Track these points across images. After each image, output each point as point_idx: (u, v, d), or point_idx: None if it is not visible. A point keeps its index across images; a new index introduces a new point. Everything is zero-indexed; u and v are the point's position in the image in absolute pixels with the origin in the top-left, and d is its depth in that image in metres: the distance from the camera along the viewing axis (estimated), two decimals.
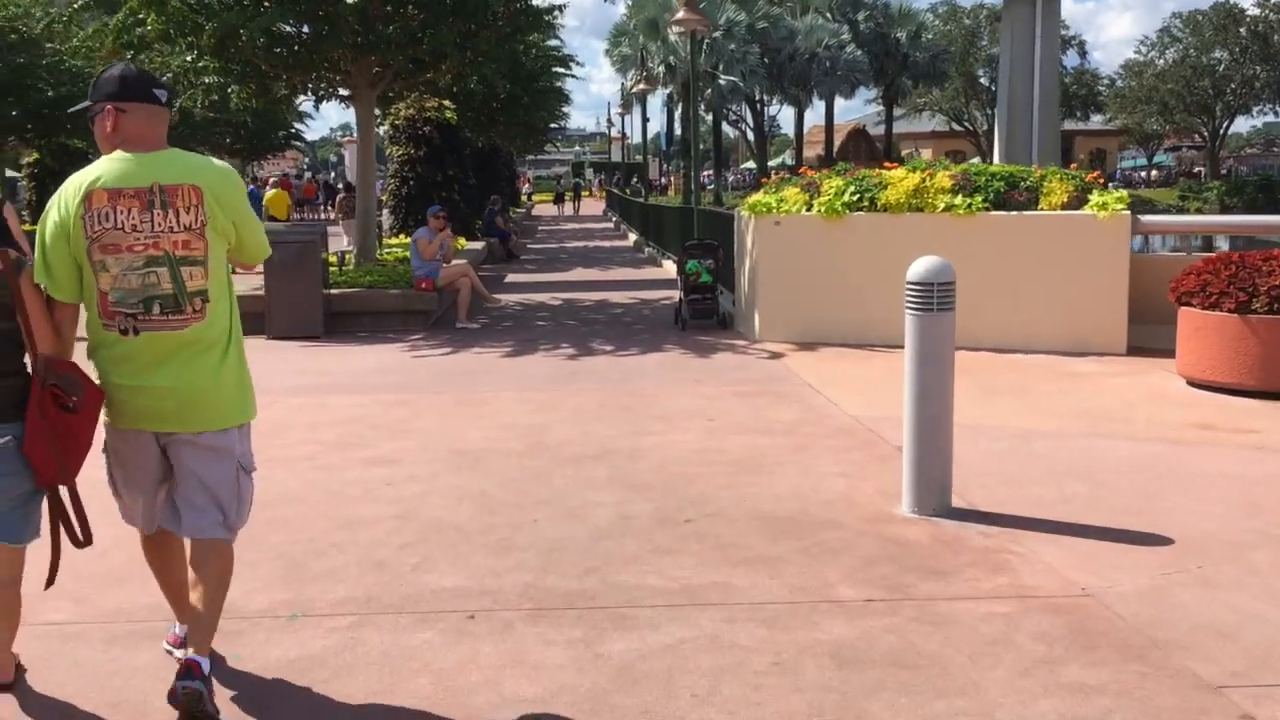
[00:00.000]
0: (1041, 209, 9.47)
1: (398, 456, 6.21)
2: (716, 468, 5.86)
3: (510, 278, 18.81)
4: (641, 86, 28.66)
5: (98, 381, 3.14)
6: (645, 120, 36.06)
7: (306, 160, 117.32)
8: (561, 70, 25.94)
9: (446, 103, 20.56)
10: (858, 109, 67.55)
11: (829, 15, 55.24)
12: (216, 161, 3.26)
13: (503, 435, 6.70)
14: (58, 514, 3.10)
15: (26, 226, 3.61)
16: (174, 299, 3.07)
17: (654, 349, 10.24)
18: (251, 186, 31.92)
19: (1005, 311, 9.50)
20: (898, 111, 63.93)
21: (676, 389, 8.18)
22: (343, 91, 13.94)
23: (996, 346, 9.46)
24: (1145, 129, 72.46)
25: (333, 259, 13.05)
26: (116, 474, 3.28)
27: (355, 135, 14.08)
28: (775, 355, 9.61)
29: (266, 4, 11.88)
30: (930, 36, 60.45)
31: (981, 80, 68.19)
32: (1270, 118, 72.86)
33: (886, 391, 7.78)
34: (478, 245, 19.35)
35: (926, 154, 76.69)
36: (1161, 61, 69.71)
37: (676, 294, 13.08)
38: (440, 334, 11.56)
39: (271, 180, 35.24)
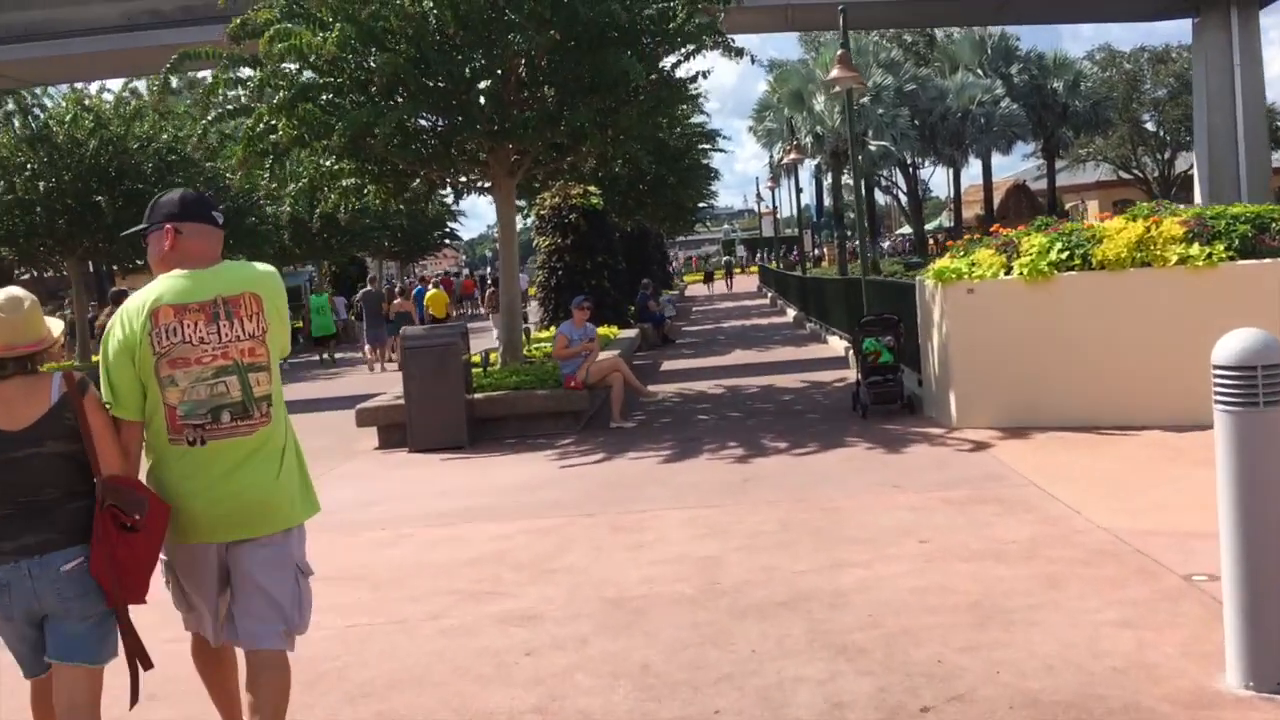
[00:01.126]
0: None
1: (540, 610, 5.06)
2: (947, 617, 4.49)
3: (666, 364, 17.75)
4: (792, 156, 27.59)
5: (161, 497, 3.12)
6: (798, 190, 34.98)
7: (464, 258, 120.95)
8: (707, 146, 25.10)
9: (592, 188, 19.88)
10: (1013, 165, 64.88)
11: (980, 71, 53.41)
12: (262, 267, 3.30)
13: (667, 573, 5.48)
14: (126, 634, 3.08)
15: None
16: (243, 406, 3.14)
17: (834, 444, 8.89)
18: (419, 286, 32.06)
19: None
20: (1059, 164, 61.02)
21: (871, 498, 6.82)
22: (482, 183, 13.25)
23: None
24: None
25: (477, 359, 12.22)
26: (185, 585, 3.26)
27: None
28: (981, 446, 8.14)
29: (399, 99, 11.28)
30: (1089, 85, 57.68)
31: (1147, 125, 64.89)
32: None
33: (1136, 491, 6.26)
34: (630, 333, 18.41)
35: (1093, 205, 73.08)
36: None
37: (852, 374, 11.78)
38: (593, 436, 10.50)
39: (433, 280, 35.41)
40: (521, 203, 23.31)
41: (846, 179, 54.25)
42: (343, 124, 10.79)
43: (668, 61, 12.24)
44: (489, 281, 33.49)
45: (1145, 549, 5.15)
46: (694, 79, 12.48)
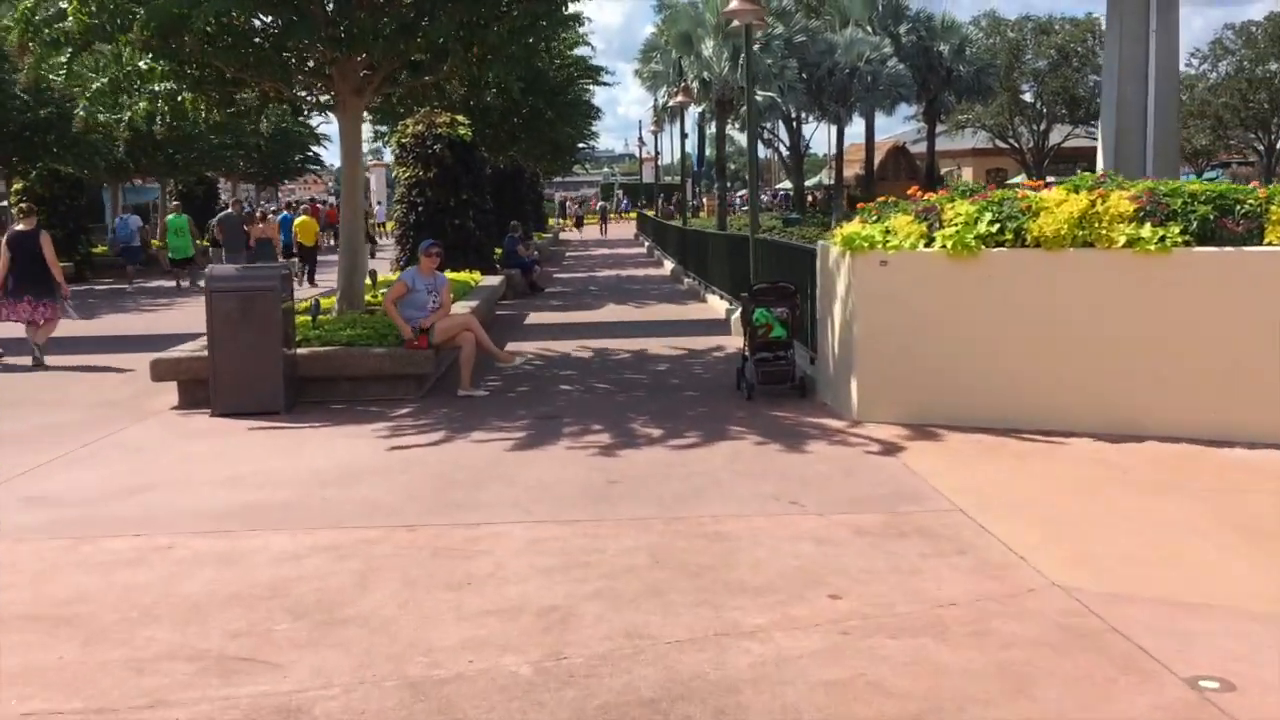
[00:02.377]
0: (1271, 243, 6.74)
1: (309, 700, 3.55)
2: None
3: (532, 317, 16.21)
4: (680, 99, 26.06)
5: None
6: (684, 136, 33.28)
7: (333, 184, 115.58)
8: (588, 82, 23.39)
9: (460, 118, 18.05)
10: (890, 127, 64.35)
11: (870, 28, 52.63)
12: None
13: (497, 634, 4.04)
14: None
15: None
16: None
17: (717, 434, 7.56)
18: (285, 213, 29.55)
19: (1219, 389, 6.77)
20: (938, 129, 60.96)
21: (766, 520, 5.49)
22: (325, 101, 11.39)
23: (1204, 437, 6.73)
24: (1194, 144, 69.23)
25: (305, 305, 10.48)
26: None
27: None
28: (889, 448, 6.91)
29: None
30: (974, 50, 57.56)
31: (1025, 96, 65.52)
32: None
33: (1088, 529, 5.12)
34: (494, 280, 16.77)
35: (967, 173, 73.87)
36: (1214, 75, 66.97)
37: (733, 342, 10.55)
38: (436, 406, 8.95)
39: (302, 206, 32.70)
40: (384, 128, 21.32)
41: (730, 129, 53.16)
42: (145, 12, 8.86)
43: None
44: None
45: (1126, 629, 3.94)
46: None
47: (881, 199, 8.33)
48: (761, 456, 6.89)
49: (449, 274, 16.35)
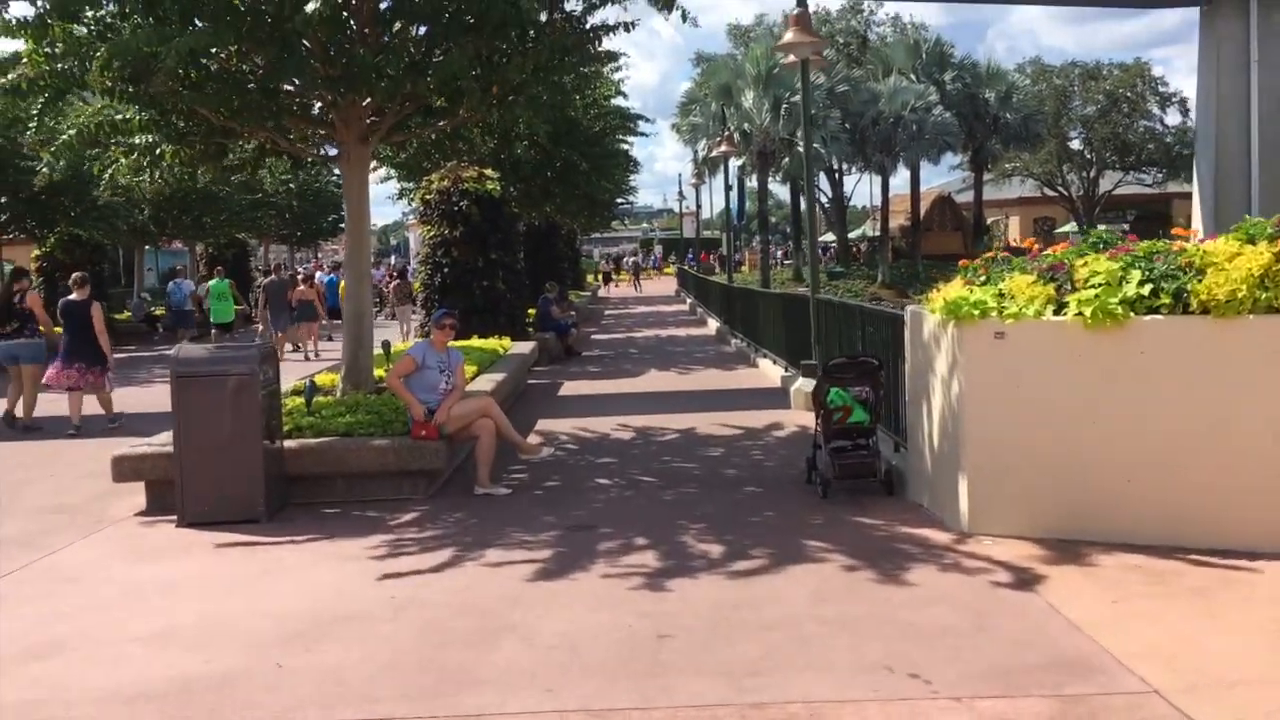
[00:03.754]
0: None
1: None
2: None
3: (567, 387, 14.73)
4: (723, 148, 24.71)
5: None
6: (728, 188, 31.91)
7: (377, 245, 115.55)
8: (626, 134, 22.09)
9: (489, 171, 16.75)
10: (935, 177, 62.57)
11: (914, 76, 51.35)
12: None
13: None
14: None
15: None
16: None
17: (793, 553, 5.98)
18: (332, 275, 28.55)
19: None
20: (985, 177, 59.28)
21: (881, 707, 3.90)
22: (327, 150, 10.07)
23: None
24: None
25: (299, 386, 9.05)
26: None
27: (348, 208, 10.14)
28: (1023, 578, 5.30)
29: (197, 23, 8.08)
30: (1020, 97, 56.03)
31: (1073, 144, 63.80)
32: None
33: None
34: (525, 347, 15.33)
35: (1014, 222, 72.17)
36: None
37: (792, 416, 9.10)
38: (446, 510, 7.45)
39: (343, 269, 31.69)
40: (409, 185, 20.12)
41: (771, 182, 51.90)
42: (107, 50, 7.57)
43: (575, 3, 9.23)
44: (393, 274, 29.83)
45: None
46: (610, 31, 9.43)
47: (988, 254, 6.77)
48: (856, 591, 5.29)
49: (477, 341, 15.02)
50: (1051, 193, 65.06)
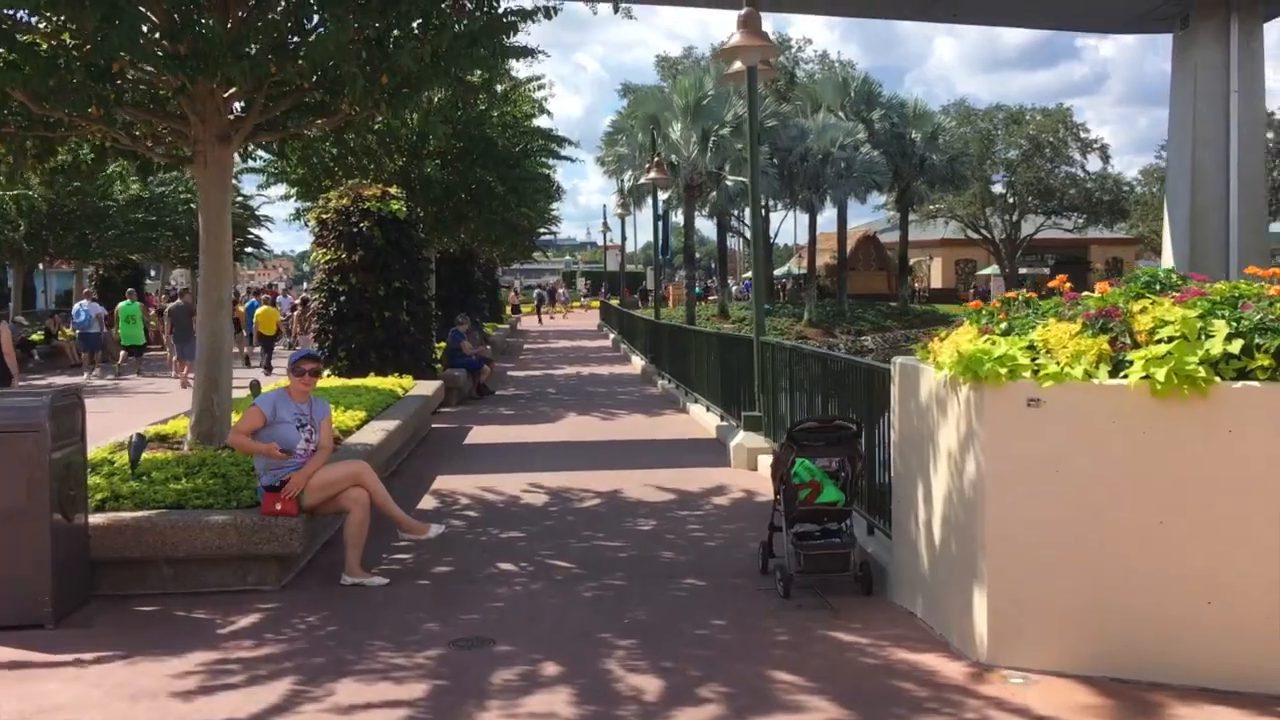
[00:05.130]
0: None
1: None
2: None
3: (475, 434, 13.00)
4: (653, 175, 23.24)
5: None
6: (657, 217, 30.47)
7: (296, 269, 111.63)
8: (548, 156, 20.49)
9: (393, 189, 15.01)
10: (861, 215, 61.61)
11: (842, 114, 50.78)
12: None
13: None
14: None
15: None
16: None
17: (756, 690, 4.40)
18: (253, 300, 26.46)
19: None
20: (910, 217, 58.92)
21: None
22: (181, 149, 8.28)
23: None
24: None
25: (101, 454, 7.23)
26: None
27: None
28: None
29: None
30: (946, 139, 55.90)
31: (996, 187, 63.92)
32: None
33: None
34: (428, 388, 13.55)
35: (938, 263, 72.23)
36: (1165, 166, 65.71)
37: (734, 474, 7.70)
38: (301, 609, 5.72)
39: (262, 295, 29.27)
40: (305, 204, 18.24)
41: (698, 217, 50.69)
42: None
43: None
44: (300, 302, 27.27)
45: None
46: (528, 17, 7.84)
47: (1010, 294, 5.29)
48: None
49: (373, 380, 13.21)
50: (975, 235, 65.13)
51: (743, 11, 9.46)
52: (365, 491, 6.31)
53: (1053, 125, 63.23)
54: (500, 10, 7.66)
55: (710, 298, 57.02)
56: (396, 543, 6.96)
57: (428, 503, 8.52)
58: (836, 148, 47.85)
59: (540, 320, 52.72)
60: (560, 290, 71.07)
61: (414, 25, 7.25)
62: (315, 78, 7.31)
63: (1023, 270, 68.28)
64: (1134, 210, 67.65)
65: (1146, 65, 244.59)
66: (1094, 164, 64.53)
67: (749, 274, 70.66)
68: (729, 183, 44.98)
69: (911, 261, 61.01)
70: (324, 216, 14.93)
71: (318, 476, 6.26)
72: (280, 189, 18.94)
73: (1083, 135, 64.07)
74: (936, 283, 69.99)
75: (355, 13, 6.82)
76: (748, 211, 53.82)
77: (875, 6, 33.53)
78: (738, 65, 9.77)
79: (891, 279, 60.36)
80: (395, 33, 7.36)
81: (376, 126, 15.63)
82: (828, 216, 55.23)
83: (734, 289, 60.14)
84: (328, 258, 14.89)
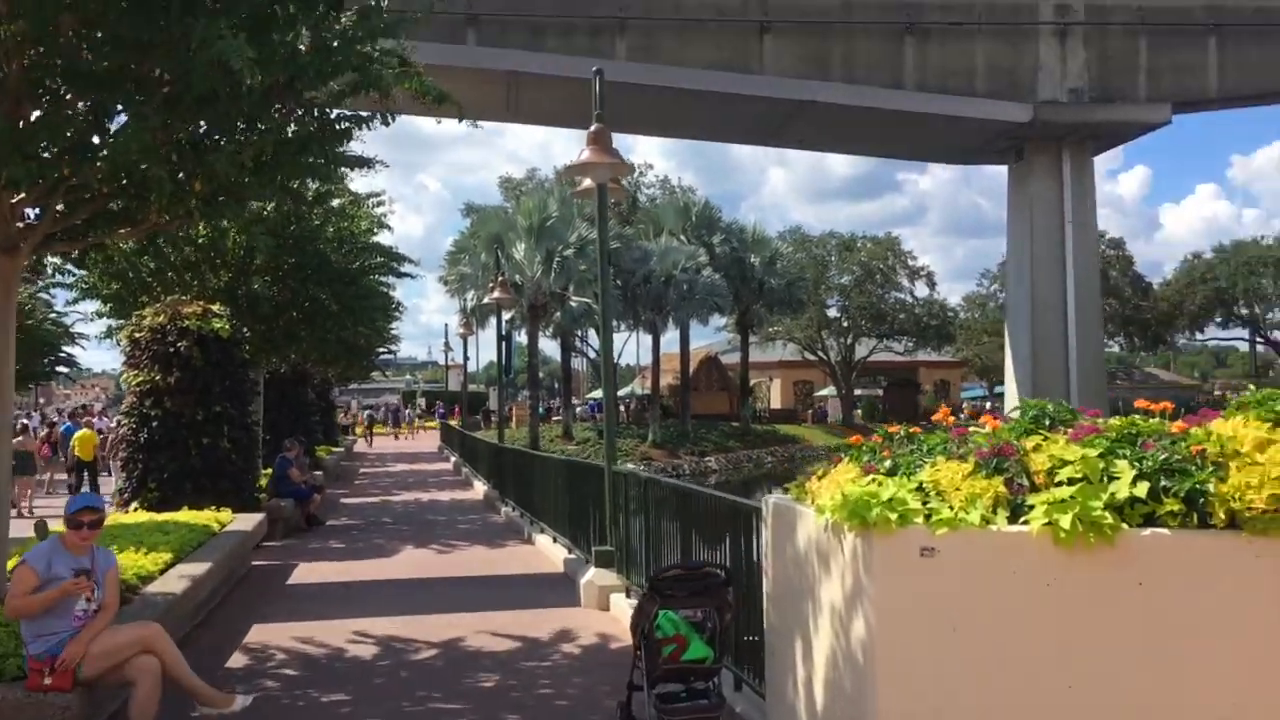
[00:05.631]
0: None
1: None
2: None
3: (300, 571, 11.90)
4: (497, 294, 22.70)
5: None
6: (501, 337, 29.87)
7: (114, 391, 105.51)
8: (386, 274, 19.76)
9: (216, 307, 14.00)
10: (702, 337, 62.93)
11: (684, 237, 51.77)
12: None
13: None
14: None
15: None
16: None
17: None
18: (68, 423, 24.40)
19: None
20: (750, 339, 60.09)
21: None
22: None
23: None
24: (985, 361, 71.14)
25: None
26: None
27: None
28: None
29: None
30: (784, 264, 57.67)
31: (831, 311, 65.96)
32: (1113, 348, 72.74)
33: None
34: (248, 522, 12.40)
35: (777, 384, 73.79)
36: (1004, 295, 69.36)
37: (585, 616, 7.07)
38: None
39: (83, 420, 26.88)
40: (118, 322, 16.89)
41: (542, 338, 50.38)
42: None
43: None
44: (112, 424, 25.29)
45: None
46: (363, 123, 7.27)
47: (892, 429, 4.86)
48: None
49: (186, 514, 12.00)
50: (812, 357, 66.84)
51: (594, 127, 9.13)
52: (156, 659, 5.35)
53: (882, 253, 65.96)
54: (333, 115, 7.06)
55: (554, 418, 56.37)
56: (195, 715, 5.96)
57: (238, 660, 7.50)
58: (679, 270, 48.50)
59: (370, 443, 50.73)
60: (405, 410, 69.31)
61: (236, 127, 6.55)
62: (118, 183, 6.51)
63: (858, 391, 70.42)
64: (959, 334, 70.86)
65: (961, 198, 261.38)
66: (921, 290, 67.42)
67: (592, 394, 70.56)
68: (573, 303, 44.90)
69: (752, 382, 62.10)
70: (137, 335, 13.76)
71: (99, 642, 5.29)
72: (95, 304, 17.58)
73: (910, 263, 67.02)
74: (776, 403, 71.38)
75: (163, 111, 6.11)
76: (592, 332, 54.01)
77: (725, 132, 34.51)
78: (587, 182, 9.39)
79: (733, 399, 61.14)
80: (215, 136, 6.68)
81: (200, 240, 14.69)
82: (670, 337, 55.81)
83: (578, 409, 59.69)
84: (139, 379, 13.68)
